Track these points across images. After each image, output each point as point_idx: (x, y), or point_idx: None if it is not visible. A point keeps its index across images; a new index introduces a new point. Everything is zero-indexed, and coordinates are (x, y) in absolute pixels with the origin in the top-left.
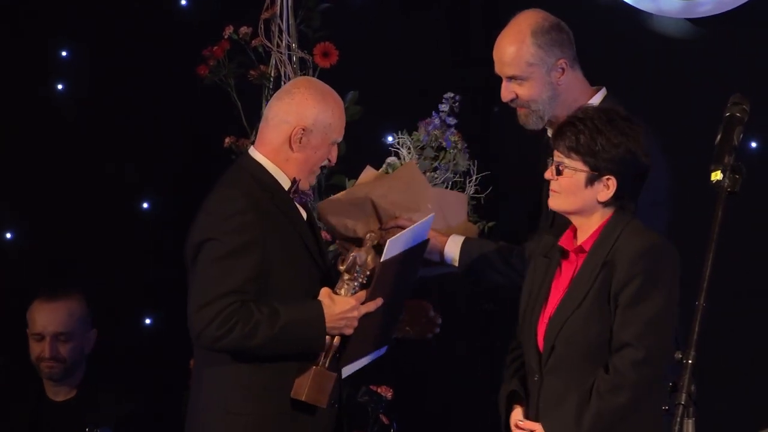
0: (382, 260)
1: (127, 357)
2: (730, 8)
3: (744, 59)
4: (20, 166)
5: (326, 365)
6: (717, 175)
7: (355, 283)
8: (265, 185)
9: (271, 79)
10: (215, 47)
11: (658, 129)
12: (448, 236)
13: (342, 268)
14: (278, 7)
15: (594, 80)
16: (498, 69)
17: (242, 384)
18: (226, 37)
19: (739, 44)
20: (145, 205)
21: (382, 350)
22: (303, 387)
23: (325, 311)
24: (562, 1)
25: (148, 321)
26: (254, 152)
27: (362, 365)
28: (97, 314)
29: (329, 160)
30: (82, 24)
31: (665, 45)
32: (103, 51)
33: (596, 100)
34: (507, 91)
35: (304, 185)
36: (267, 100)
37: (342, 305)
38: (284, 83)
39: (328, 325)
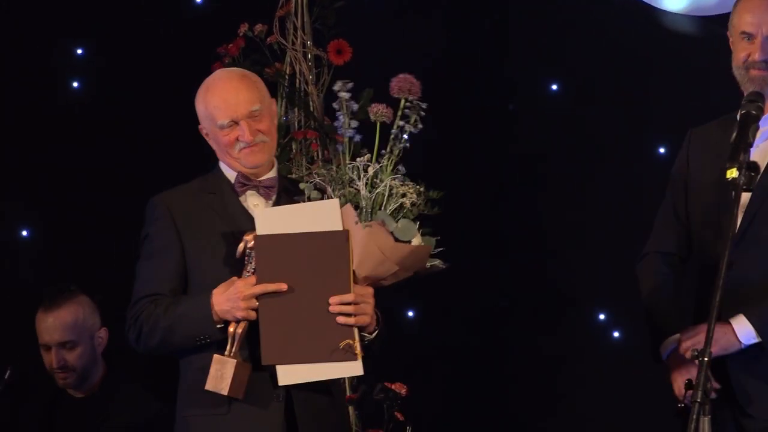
0: (257, 233)
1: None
2: None
3: None
4: (36, 164)
5: (231, 353)
6: (732, 173)
7: (249, 267)
8: (211, 188)
9: (286, 77)
10: (230, 45)
11: (669, 127)
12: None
13: (237, 255)
14: (293, 5)
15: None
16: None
17: (187, 387)
18: (241, 34)
19: None
20: None
21: (350, 368)
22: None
23: (213, 295)
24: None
25: None
26: None
27: (316, 378)
28: (114, 311)
29: (239, 140)
30: (98, 22)
31: (674, 42)
32: (118, 49)
33: None
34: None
35: (245, 172)
36: (282, 98)
37: (227, 288)
38: (299, 80)
39: (214, 308)
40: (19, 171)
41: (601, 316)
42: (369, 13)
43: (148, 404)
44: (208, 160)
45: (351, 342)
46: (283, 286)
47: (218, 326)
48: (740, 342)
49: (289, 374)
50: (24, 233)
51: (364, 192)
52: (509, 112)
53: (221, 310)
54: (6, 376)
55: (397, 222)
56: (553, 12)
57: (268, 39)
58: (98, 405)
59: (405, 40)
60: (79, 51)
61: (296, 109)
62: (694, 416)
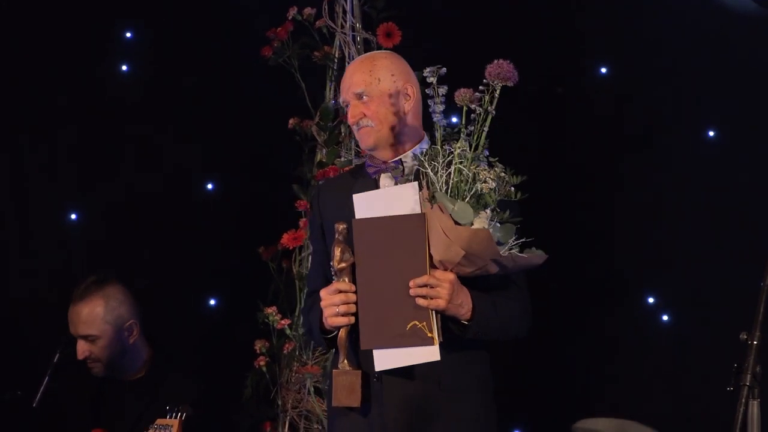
0: (355, 217)
1: (192, 338)
2: None
3: None
4: (84, 147)
5: (345, 362)
6: None
7: (333, 269)
8: (360, 170)
9: (335, 60)
10: (279, 28)
11: (718, 111)
12: None
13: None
14: None
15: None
16: None
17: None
18: (290, 18)
19: None
20: (210, 186)
21: (427, 353)
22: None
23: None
24: None
25: (212, 302)
26: None
27: (402, 364)
28: (161, 295)
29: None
30: (147, 5)
31: (723, 24)
32: (168, 32)
33: None
34: None
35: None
36: (331, 81)
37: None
38: (348, 64)
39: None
40: (68, 154)
41: (650, 300)
42: None
43: (194, 386)
44: (258, 142)
45: (417, 324)
46: (347, 285)
47: (326, 336)
48: None
49: (383, 359)
50: (73, 216)
51: (432, 176)
52: (558, 95)
53: (323, 319)
54: (55, 360)
55: (454, 205)
56: None
57: (317, 22)
58: (144, 388)
59: (454, 22)
60: (129, 34)
61: None
62: (743, 400)
